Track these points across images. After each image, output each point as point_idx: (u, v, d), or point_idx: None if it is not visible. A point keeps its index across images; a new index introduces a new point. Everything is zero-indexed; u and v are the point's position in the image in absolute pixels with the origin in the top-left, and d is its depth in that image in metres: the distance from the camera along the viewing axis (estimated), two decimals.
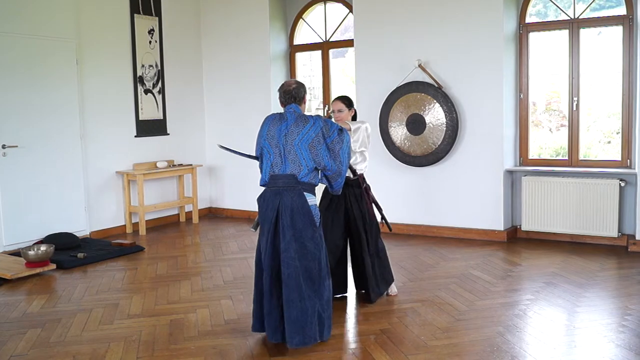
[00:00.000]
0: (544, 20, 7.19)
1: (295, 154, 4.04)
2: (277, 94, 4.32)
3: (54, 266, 6.16)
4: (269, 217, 4.06)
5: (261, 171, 4.18)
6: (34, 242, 6.84)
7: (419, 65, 7.22)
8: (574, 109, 6.93)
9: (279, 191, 4.06)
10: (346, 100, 5.21)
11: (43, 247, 6.21)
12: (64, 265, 6.27)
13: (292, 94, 4.22)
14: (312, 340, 3.98)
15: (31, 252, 6.09)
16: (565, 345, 4.03)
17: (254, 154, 4.37)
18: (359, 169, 5.04)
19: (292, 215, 4.01)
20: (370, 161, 7.66)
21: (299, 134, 4.06)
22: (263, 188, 4.20)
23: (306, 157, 4.05)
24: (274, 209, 4.05)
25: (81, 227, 7.55)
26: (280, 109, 4.40)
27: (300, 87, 4.27)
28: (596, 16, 6.85)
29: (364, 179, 5.10)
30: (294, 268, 3.96)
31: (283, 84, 4.30)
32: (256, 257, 4.21)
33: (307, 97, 4.49)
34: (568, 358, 3.83)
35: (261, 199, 4.14)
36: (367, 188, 5.13)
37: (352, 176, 4.96)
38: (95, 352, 4.11)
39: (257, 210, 4.24)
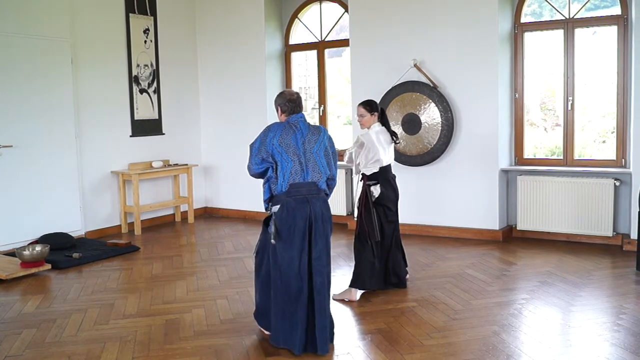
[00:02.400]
0: (539, 20, 7.21)
1: (315, 162, 4.07)
2: (277, 102, 4.23)
3: (49, 266, 6.15)
4: (300, 226, 3.95)
5: (266, 179, 4.11)
6: (29, 242, 6.82)
7: (415, 65, 7.22)
8: (569, 108, 6.95)
9: (306, 199, 4.01)
10: (368, 105, 5.37)
11: (38, 247, 6.19)
12: (59, 265, 6.26)
13: (297, 102, 4.19)
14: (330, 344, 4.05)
15: (26, 252, 6.08)
16: (561, 344, 4.04)
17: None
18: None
19: (323, 223, 4.05)
20: None
21: (316, 142, 4.10)
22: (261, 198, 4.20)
23: (324, 165, 4.12)
24: (304, 218, 3.97)
25: (76, 227, 7.54)
26: (274, 114, 4.40)
27: (300, 96, 4.30)
28: (591, 16, 6.87)
29: (366, 178, 5.33)
30: (326, 275, 4.03)
31: (284, 93, 4.23)
32: (274, 273, 4.01)
33: (302, 96, 4.53)
34: (563, 357, 3.84)
35: (283, 209, 3.97)
36: (366, 187, 5.32)
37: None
38: (91, 352, 4.10)
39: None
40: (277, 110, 4.25)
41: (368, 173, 5.31)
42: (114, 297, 5.30)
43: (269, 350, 4.05)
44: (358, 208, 5.40)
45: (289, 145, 4.02)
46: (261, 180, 4.32)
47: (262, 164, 4.09)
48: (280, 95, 4.24)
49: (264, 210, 8.87)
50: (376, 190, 5.29)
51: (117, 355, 4.04)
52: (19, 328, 4.59)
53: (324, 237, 4.04)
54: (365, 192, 5.30)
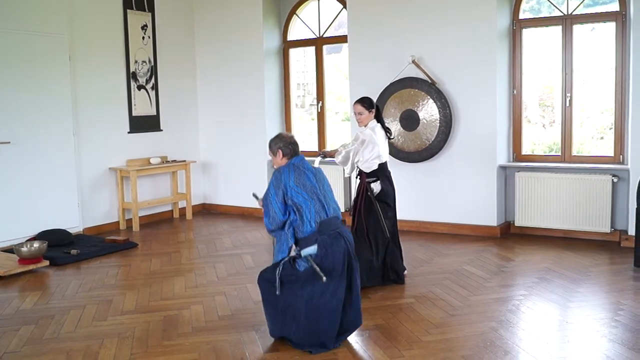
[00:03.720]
0: (537, 17, 7.21)
1: (330, 198, 4.18)
2: (276, 145, 4.23)
3: (47, 263, 6.14)
4: (339, 260, 3.95)
5: (286, 220, 4.08)
6: (27, 238, 6.82)
7: (413, 61, 7.22)
8: (567, 104, 6.95)
9: (339, 233, 4.03)
10: (365, 103, 5.37)
11: (36, 244, 6.18)
12: (57, 261, 6.25)
13: (297, 144, 4.28)
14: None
15: (24, 249, 6.07)
16: (558, 340, 4.05)
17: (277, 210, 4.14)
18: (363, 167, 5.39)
19: (354, 251, 4.14)
20: None
21: (324, 179, 4.24)
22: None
23: (334, 199, 4.25)
24: (342, 252, 3.97)
25: (74, 224, 7.53)
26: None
27: None
28: (589, 12, 6.87)
29: (365, 176, 5.36)
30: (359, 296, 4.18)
31: (283, 137, 4.27)
32: (310, 309, 3.94)
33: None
34: (561, 353, 3.85)
35: (322, 248, 3.93)
36: (366, 185, 5.36)
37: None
38: (89, 348, 4.10)
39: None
40: (277, 154, 4.24)
41: (368, 170, 5.32)
42: (112, 294, 5.30)
43: (267, 346, 4.05)
44: (355, 205, 5.41)
45: (306, 185, 4.06)
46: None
47: (285, 209, 4.06)
48: (279, 139, 4.26)
49: (261, 207, 8.91)
50: (377, 187, 5.31)
51: (115, 351, 4.04)
52: (17, 324, 4.58)
53: (357, 265, 4.15)
54: (365, 189, 5.30)
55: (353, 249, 4.12)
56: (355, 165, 5.41)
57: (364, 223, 5.31)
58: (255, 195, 4.69)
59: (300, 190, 4.03)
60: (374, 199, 5.30)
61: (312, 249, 3.96)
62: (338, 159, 5.47)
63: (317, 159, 5.72)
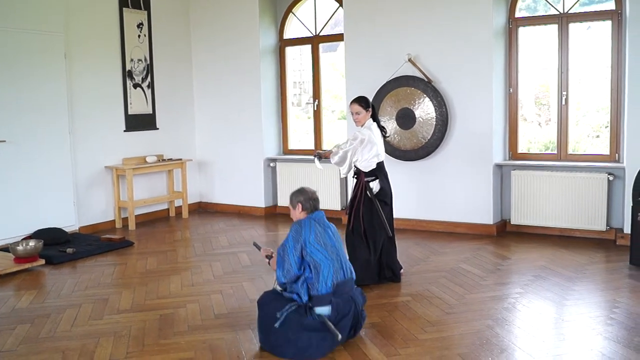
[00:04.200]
0: (533, 15, 7.21)
1: (345, 257, 4.14)
2: (297, 199, 4.18)
3: (42, 261, 6.13)
4: (347, 325, 3.94)
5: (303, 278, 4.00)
6: (23, 237, 6.79)
7: (409, 60, 7.22)
8: (563, 103, 6.96)
9: (351, 298, 4.01)
10: (363, 102, 5.35)
11: (32, 242, 6.17)
12: (53, 260, 6.24)
13: (318, 200, 4.23)
14: None
15: (20, 248, 6.06)
16: (554, 338, 4.06)
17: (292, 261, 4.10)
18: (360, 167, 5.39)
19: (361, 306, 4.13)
20: None
21: (338, 239, 4.16)
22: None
23: (346, 256, 4.18)
24: (351, 317, 3.97)
25: (70, 222, 7.51)
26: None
27: None
28: (585, 11, 6.88)
29: (364, 175, 5.35)
30: None
31: (305, 192, 4.21)
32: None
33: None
34: (557, 351, 3.85)
35: (334, 312, 3.90)
36: (365, 184, 5.34)
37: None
38: (85, 347, 4.09)
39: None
40: (296, 207, 4.18)
41: (367, 169, 5.31)
42: (108, 292, 5.29)
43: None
44: (352, 205, 5.41)
45: (326, 243, 4.00)
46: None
47: (301, 264, 3.98)
48: (300, 193, 4.21)
49: (258, 206, 8.90)
50: (376, 186, 5.32)
51: (111, 350, 4.03)
52: (13, 323, 4.57)
53: (363, 322, 4.17)
54: (363, 188, 5.30)
55: (360, 309, 4.09)
56: (353, 165, 5.40)
57: (362, 222, 5.31)
58: (256, 245, 4.67)
59: (320, 247, 3.96)
60: (374, 198, 5.30)
61: (325, 310, 3.91)
62: (334, 159, 5.45)
63: (317, 160, 5.70)
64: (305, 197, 4.18)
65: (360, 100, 5.36)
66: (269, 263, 4.40)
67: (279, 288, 4.16)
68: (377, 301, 4.89)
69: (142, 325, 4.48)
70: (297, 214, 4.19)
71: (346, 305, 3.96)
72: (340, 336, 3.80)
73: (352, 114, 5.39)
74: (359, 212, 5.33)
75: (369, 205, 5.31)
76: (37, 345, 4.16)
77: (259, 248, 4.57)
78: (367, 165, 5.31)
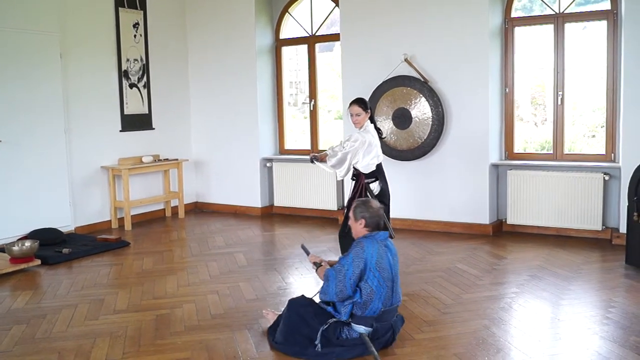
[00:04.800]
0: (529, 15, 7.23)
1: (398, 284, 4.00)
2: (360, 213, 3.95)
3: (38, 262, 6.11)
4: (377, 346, 3.84)
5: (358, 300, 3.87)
6: (19, 237, 6.77)
7: (405, 60, 7.22)
8: (559, 103, 6.97)
9: (391, 325, 3.96)
10: (363, 104, 5.35)
11: (27, 243, 6.16)
12: (48, 260, 6.23)
13: (383, 216, 4.01)
14: None
15: (15, 248, 6.04)
16: (550, 338, 4.06)
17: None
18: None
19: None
20: None
21: (396, 263, 4.00)
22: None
23: (399, 281, 4.03)
24: (384, 341, 3.92)
25: (66, 223, 7.50)
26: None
27: None
28: (581, 11, 6.89)
29: (364, 177, 5.32)
30: None
31: (370, 207, 3.98)
32: None
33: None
34: (553, 350, 3.86)
35: (375, 334, 3.86)
36: (365, 185, 5.32)
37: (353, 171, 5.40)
38: (81, 347, 4.08)
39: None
40: (359, 222, 3.97)
41: (367, 171, 5.30)
42: (104, 293, 5.28)
43: (260, 345, 4.05)
44: (350, 206, 5.39)
45: (385, 268, 3.85)
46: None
47: (356, 286, 3.83)
48: (366, 208, 3.98)
49: (254, 206, 8.88)
50: (376, 188, 5.33)
51: (107, 350, 4.03)
52: (9, 324, 4.56)
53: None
54: (363, 190, 5.29)
55: (396, 335, 4.03)
56: (352, 167, 5.37)
57: None
58: (304, 248, 4.55)
59: (378, 274, 3.80)
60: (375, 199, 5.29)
61: (364, 330, 3.86)
62: (331, 161, 5.37)
63: (314, 162, 5.65)
64: (371, 214, 3.94)
65: (361, 102, 5.34)
66: (316, 270, 4.23)
67: (317, 299, 4.08)
68: None
69: (138, 325, 4.48)
70: (359, 228, 3.97)
71: (384, 330, 3.92)
72: (379, 359, 3.69)
73: (352, 115, 5.34)
74: None
75: None
76: (33, 345, 4.15)
77: (307, 253, 4.45)
78: (368, 167, 5.29)
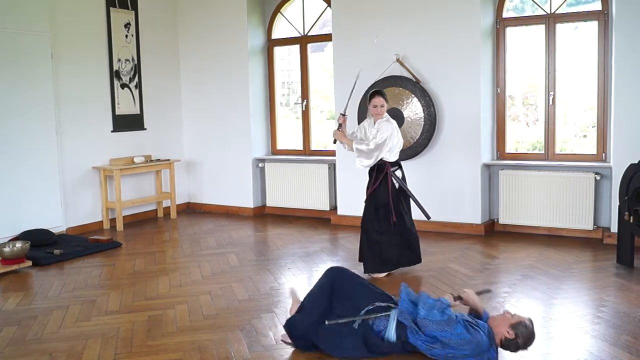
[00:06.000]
0: (520, 15, 7.25)
1: None
2: (524, 329, 3.59)
3: (29, 263, 6.09)
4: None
5: None
6: (9, 238, 6.74)
7: (397, 60, 7.23)
8: (551, 103, 7.00)
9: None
10: (384, 95, 5.57)
11: (18, 244, 6.12)
12: (40, 262, 6.20)
13: (530, 342, 3.64)
14: None
15: (6, 249, 6.01)
16: (542, 337, 4.07)
17: None
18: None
19: None
20: (349, 156, 7.68)
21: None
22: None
23: None
24: None
25: (57, 223, 7.46)
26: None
27: None
28: (572, 11, 6.92)
29: (389, 165, 5.54)
30: None
31: (531, 335, 3.59)
32: None
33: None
34: (545, 349, 3.87)
35: None
36: (391, 174, 5.53)
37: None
38: (73, 349, 4.07)
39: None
40: (509, 332, 3.60)
41: (394, 159, 5.55)
42: (96, 294, 5.26)
43: (252, 345, 4.05)
44: (388, 206, 5.51)
45: None
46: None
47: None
48: (528, 336, 3.58)
49: (246, 206, 8.85)
50: (400, 174, 5.61)
51: (99, 352, 4.01)
52: (0, 325, 4.54)
53: None
54: (389, 178, 5.49)
55: None
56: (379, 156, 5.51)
57: (397, 212, 5.52)
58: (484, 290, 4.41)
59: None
60: (403, 184, 5.60)
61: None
62: (361, 148, 5.48)
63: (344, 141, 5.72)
64: (524, 340, 3.57)
65: (382, 94, 5.55)
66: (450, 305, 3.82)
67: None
68: None
69: (130, 326, 4.46)
70: (504, 331, 3.58)
71: None
72: None
73: (376, 106, 5.50)
74: (401, 205, 5.58)
75: (404, 193, 5.60)
76: (24, 347, 4.12)
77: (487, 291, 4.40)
78: (394, 155, 5.54)
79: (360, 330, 3.78)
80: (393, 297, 4.05)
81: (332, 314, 3.91)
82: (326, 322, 3.78)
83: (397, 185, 5.57)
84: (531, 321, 3.60)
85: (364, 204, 5.70)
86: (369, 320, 3.82)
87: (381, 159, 5.49)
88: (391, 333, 3.72)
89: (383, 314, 3.82)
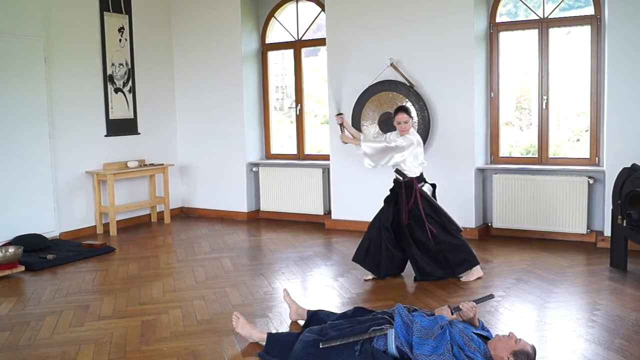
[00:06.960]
0: (514, 20, 7.28)
1: None
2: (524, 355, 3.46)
3: (22, 268, 6.06)
4: None
5: None
6: (2, 243, 6.70)
7: (391, 64, 7.24)
8: (544, 107, 7.02)
9: None
10: (408, 112, 5.57)
11: (11, 249, 6.10)
12: (33, 267, 6.17)
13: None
14: None
15: None
16: (536, 341, 4.07)
17: None
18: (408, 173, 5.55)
19: None
20: (343, 160, 7.69)
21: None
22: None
23: None
24: None
25: (50, 228, 7.43)
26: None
27: None
28: (565, 16, 6.95)
29: (416, 181, 5.54)
30: None
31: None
32: None
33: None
34: (539, 353, 3.86)
35: None
36: (419, 189, 5.53)
37: (401, 178, 5.55)
38: (66, 354, 4.05)
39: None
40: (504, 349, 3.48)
41: (416, 174, 5.54)
42: (89, 299, 5.24)
43: (247, 350, 4.04)
44: (422, 221, 5.50)
45: None
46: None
47: None
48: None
49: (240, 210, 8.84)
50: (428, 189, 5.62)
51: (92, 357, 3.99)
52: None
53: None
54: (420, 195, 5.50)
55: None
56: (392, 165, 5.53)
57: (433, 225, 5.50)
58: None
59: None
60: (432, 198, 5.60)
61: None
62: (366, 145, 5.52)
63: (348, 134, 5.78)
64: None
65: (406, 110, 5.54)
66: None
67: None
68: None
69: (123, 331, 4.44)
70: (504, 357, 3.45)
71: None
72: None
73: (400, 123, 5.49)
74: (437, 217, 5.56)
75: (435, 207, 5.58)
76: (17, 353, 4.10)
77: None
78: (417, 170, 5.54)
79: (363, 356, 3.60)
80: (387, 310, 3.99)
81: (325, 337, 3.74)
82: (321, 345, 3.62)
83: (427, 199, 5.56)
84: (534, 349, 3.50)
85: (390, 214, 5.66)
86: (371, 339, 3.66)
87: (406, 176, 5.50)
88: (392, 349, 3.68)
89: (379, 333, 3.69)
